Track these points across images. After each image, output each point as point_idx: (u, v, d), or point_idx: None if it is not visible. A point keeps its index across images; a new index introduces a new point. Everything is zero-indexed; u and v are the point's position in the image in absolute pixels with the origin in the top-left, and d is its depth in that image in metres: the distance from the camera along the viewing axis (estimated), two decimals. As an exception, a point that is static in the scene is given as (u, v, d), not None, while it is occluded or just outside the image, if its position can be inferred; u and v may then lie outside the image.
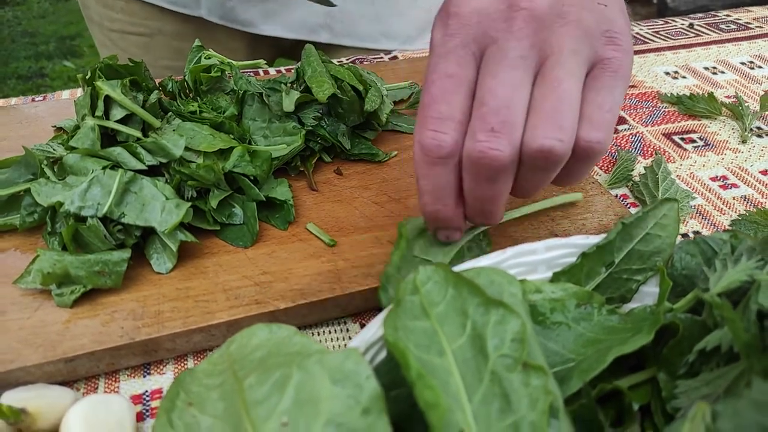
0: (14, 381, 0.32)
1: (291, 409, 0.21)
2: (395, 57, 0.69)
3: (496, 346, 0.23)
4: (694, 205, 0.48)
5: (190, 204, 0.37)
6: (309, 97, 0.44)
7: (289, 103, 0.42)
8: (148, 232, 0.37)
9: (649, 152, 0.54)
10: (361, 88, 0.45)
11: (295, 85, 0.45)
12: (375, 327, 0.27)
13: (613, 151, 0.54)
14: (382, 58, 0.69)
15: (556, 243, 0.31)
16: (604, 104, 0.29)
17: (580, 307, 0.28)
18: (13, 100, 0.59)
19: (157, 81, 0.50)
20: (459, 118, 0.29)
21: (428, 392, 0.21)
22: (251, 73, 0.63)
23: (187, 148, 0.39)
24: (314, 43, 0.76)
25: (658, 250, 0.31)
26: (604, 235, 0.31)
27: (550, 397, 0.21)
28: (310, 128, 0.44)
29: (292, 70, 0.46)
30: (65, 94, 0.60)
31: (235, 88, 0.44)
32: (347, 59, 0.68)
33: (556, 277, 0.30)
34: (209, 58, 0.45)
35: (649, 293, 0.31)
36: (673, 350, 0.25)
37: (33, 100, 0.59)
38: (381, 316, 0.27)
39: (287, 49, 0.80)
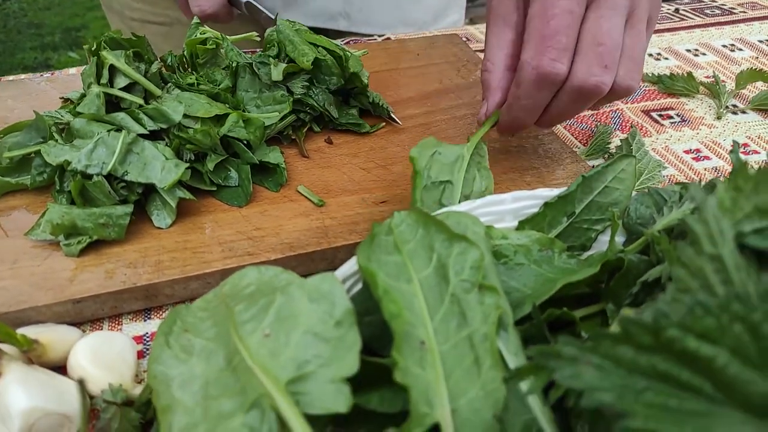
0: (26, 320, 0.35)
1: (273, 324, 0.24)
2: (388, 38, 0.72)
3: (456, 273, 0.25)
4: (666, 175, 0.51)
5: (188, 165, 0.40)
6: (295, 67, 0.46)
7: (277, 73, 0.45)
8: (150, 190, 0.40)
9: (627, 127, 0.57)
10: (337, 50, 0.47)
11: (279, 58, 0.48)
12: (353, 262, 0.29)
13: (592, 125, 0.57)
14: (375, 39, 0.72)
15: (522, 194, 0.33)
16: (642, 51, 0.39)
17: (542, 252, 0.31)
18: (22, 76, 0.62)
19: (159, 56, 0.52)
20: (572, 50, 0.36)
21: (392, 305, 0.23)
22: (250, 53, 0.66)
23: (185, 116, 0.42)
24: (332, 31, 0.80)
25: (615, 201, 0.33)
26: (566, 188, 0.34)
27: (500, 311, 0.24)
28: (299, 97, 0.46)
29: (273, 45, 0.49)
30: (72, 70, 0.63)
31: (227, 61, 0.47)
32: (342, 41, 0.71)
33: (521, 226, 0.33)
34: (204, 33, 0.48)
35: (607, 242, 0.33)
36: (619, 283, 0.28)
37: (41, 75, 0.62)
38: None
39: None
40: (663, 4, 0.82)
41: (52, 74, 0.62)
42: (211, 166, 0.42)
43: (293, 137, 0.48)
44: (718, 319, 0.16)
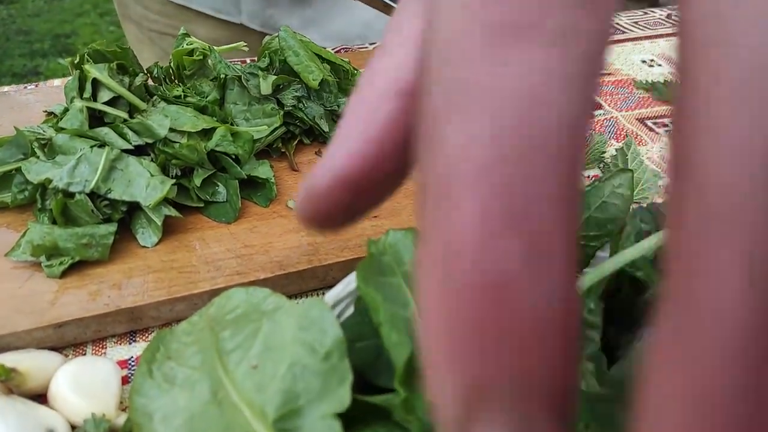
0: (5, 346, 0.34)
1: (261, 354, 0.23)
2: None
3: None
4: (663, 186, 0.50)
5: (174, 181, 0.39)
6: (286, 79, 0.45)
7: (266, 87, 0.44)
8: (134, 208, 0.39)
9: (622, 136, 0.56)
10: (344, 65, 0.47)
11: (269, 70, 0.47)
12: (343, 285, 0.28)
13: (587, 135, 0.56)
14: (366, 47, 0.71)
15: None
16: None
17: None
18: (6, 88, 0.61)
19: (146, 68, 0.51)
20: None
21: (395, 334, 0.22)
22: (239, 62, 0.65)
23: (171, 129, 0.40)
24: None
25: (613, 217, 0.32)
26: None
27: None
28: (289, 110, 0.45)
29: (264, 56, 0.48)
30: (56, 82, 0.62)
31: (215, 72, 0.45)
32: (333, 48, 0.70)
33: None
34: (192, 44, 0.47)
35: (605, 258, 0.32)
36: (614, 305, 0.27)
37: (25, 87, 0.61)
38: (350, 277, 0.29)
39: None
40: (655, 10, 0.82)
41: (36, 86, 0.61)
42: (198, 181, 0.40)
43: (283, 150, 0.47)
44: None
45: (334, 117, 0.49)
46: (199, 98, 0.44)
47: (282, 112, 0.45)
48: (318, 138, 0.49)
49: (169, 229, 0.40)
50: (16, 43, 2.92)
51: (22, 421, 0.29)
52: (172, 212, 0.39)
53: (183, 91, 0.44)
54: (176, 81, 0.48)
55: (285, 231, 0.41)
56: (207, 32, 0.75)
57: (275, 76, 0.45)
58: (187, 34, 0.48)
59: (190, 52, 0.46)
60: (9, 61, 2.80)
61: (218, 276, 0.37)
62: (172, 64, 0.47)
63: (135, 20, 0.79)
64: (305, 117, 0.46)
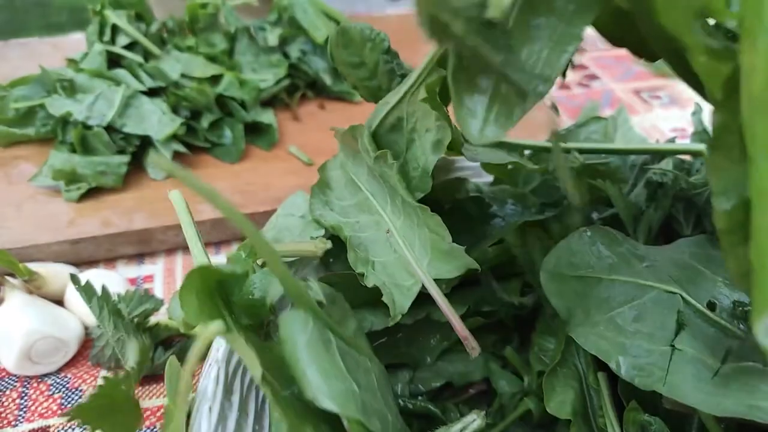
0: (27, 257, 0.37)
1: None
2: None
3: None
4: (650, 151, 0.52)
5: (183, 120, 0.42)
6: (293, 32, 0.48)
7: (273, 38, 0.46)
8: (147, 144, 0.42)
9: (616, 105, 0.58)
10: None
11: (277, 24, 0.50)
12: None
13: (584, 101, 0.58)
14: (371, 14, 0.73)
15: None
16: None
17: (514, 206, 0.33)
18: (24, 39, 0.64)
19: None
20: None
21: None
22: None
23: (183, 75, 0.43)
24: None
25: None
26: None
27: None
28: (295, 62, 0.48)
29: (274, 11, 0.50)
30: (78, 35, 0.65)
31: (226, 25, 0.48)
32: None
33: (496, 181, 0.35)
34: None
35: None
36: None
37: (42, 39, 0.64)
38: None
39: None
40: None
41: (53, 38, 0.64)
42: (206, 124, 0.43)
43: (287, 101, 0.50)
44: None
45: (337, 72, 0.51)
46: (209, 48, 0.47)
47: (287, 64, 0.47)
48: (321, 92, 0.52)
49: (179, 164, 0.43)
50: (34, 15, 2.95)
51: (43, 316, 0.32)
52: (181, 148, 0.42)
53: (195, 42, 0.47)
54: (189, 33, 0.51)
55: (285, 173, 0.43)
56: None
57: (284, 30, 0.48)
58: None
59: (204, 5, 0.49)
60: (26, 34, 2.83)
61: (221, 207, 0.40)
62: (186, 17, 0.50)
63: None
64: (309, 70, 0.48)
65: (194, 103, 0.43)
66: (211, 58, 0.46)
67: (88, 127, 0.41)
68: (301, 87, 0.50)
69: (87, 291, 0.30)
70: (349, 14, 0.71)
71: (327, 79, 0.50)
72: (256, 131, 0.46)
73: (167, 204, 0.40)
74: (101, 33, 0.46)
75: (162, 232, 0.39)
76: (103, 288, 0.31)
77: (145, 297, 0.33)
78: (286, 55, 0.49)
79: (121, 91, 0.41)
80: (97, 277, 0.35)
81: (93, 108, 0.41)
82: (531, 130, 0.52)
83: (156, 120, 0.41)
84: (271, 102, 0.50)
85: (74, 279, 0.31)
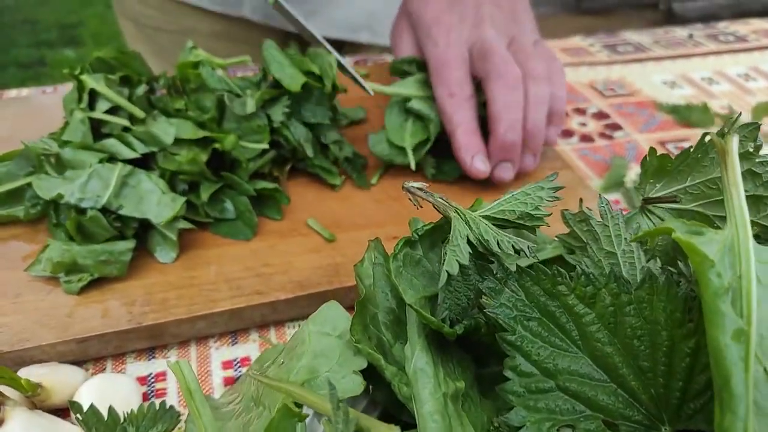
0: (29, 359, 0.34)
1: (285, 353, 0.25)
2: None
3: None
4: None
5: (185, 199, 0.39)
6: (273, 92, 0.44)
7: (251, 104, 0.43)
8: (148, 224, 0.39)
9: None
10: (335, 82, 0.46)
11: (262, 84, 0.46)
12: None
13: (607, 156, 0.56)
14: (384, 59, 0.71)
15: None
16: None
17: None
18: (24, 92, 0.61)
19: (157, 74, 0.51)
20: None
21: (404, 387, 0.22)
22: (250, 72, 0.65)
23: (175, 140, 0.40)
24: (353, 43, 0.78)
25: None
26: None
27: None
28: (277, 126, 0.44)
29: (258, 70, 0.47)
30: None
31: (210, 86, 0.45)
32: (353, 59, 0.70)
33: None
34: (198, 56, 0.46)
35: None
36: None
37: (44, 92, 0.61)
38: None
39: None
40: (676, 29, 0.81)
41: (54, 89, 0.61)
42: (205, 196, 0.40)
43: (276, 174, 0.46)
44: (596, 289, 0.22)
45: (320, 143, 0.47)
46: (199, 113, 0.44)
47: (267, 128, 0.44)
48: (301, 165, 0.47)
49: (187, 244, 0.40)
50: (22, 32, 2.88)
51: (46, 438, 0.29)
52: (185, 225, 0.39)
53: (185, 105, 0.44)
54: (182, 93, 0.47)
55: (305, 250, 0.41)
56: (207, 27, 0.73)
57: (263, 91, 0.44)
58: (195, 47, 0.48)
59: (195, 65, 0.46)
60: (14, 50, 2.75)
61: (238, 295, 0.37)
62: (177, 76, 0.47)
63: (131, 17, 0.77)
64: (290, 136, 0.44)
65: (189, 175, 0.40)
66: (200, 125, 0.43)
67: (81, 211, 0.38)
68: (289, 158, 0.47)
69: (89, 422, 0.27)
70: (361, 60, 0.68)
71: (309, 150, 0.45)
72: (260, 201, 0.43)
73: (180, 292, 0.37)
74: (80, 99, 0.42)
75: (175, 326, 0.36)
76: (110, 412, 0.28)
77: (160, 411, 0.30)
78: (270, 119, 0.45)
79: (117, 169, 0.38)
80: (103, 383, 0.32)
81: (86, 189, 0.38)
82: (541, 163, 0.50)
83: (155, 200, 0.38)
84: (260, 175, 0.46)
85: (74, 407, 0.27)
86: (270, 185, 0.42)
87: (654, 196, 0.27)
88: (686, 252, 0.19)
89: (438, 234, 0.25)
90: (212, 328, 0.37)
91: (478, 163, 0.46)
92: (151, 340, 0.36)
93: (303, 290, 0.37)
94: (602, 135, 0.59)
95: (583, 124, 0.61)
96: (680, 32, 0.80)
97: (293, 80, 0.44)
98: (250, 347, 0.37)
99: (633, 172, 0.54)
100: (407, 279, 0.24)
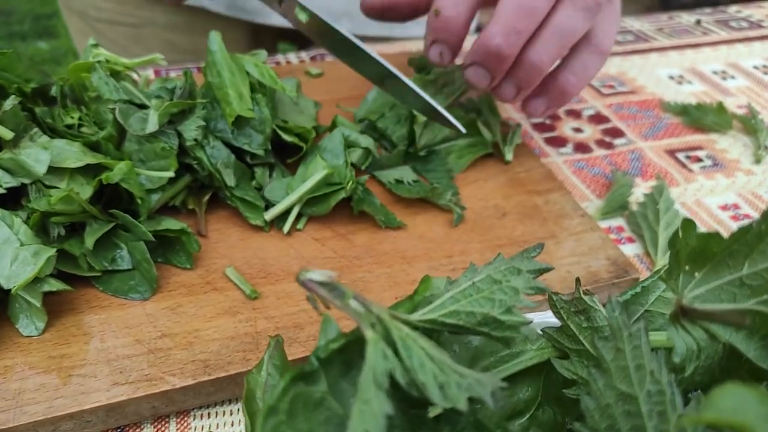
0: None
1: None
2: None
3: None
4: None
5: (53, 252, 0.29)
6: (186, 103, 0.35)
7: (153, 121, 0.33)
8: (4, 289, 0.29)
9: (649, 173, 0.47)
10: (293, 99, 0.37)
11: (183, 90, 0.36)
12: None
13: (607, 169, 0.47)
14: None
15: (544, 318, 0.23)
16: None
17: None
18: None
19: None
20: None
21: None
22: (194, 68, 0.55)
23: (51, 168, 0.31)
24: None
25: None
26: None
27: None
28: (191, 144, 0.34)
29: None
30: None
31: (103, 97, 0.35)
32: (308, 53, 0.60)
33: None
34: (98, 56, 0.36)
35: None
36: None
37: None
38: None
39: (291, 34, 0.72)
40: (682, 14, 0.71)
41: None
42: (90, 242, 0.31)
43: (191, 206, 0.36)
44: None
45: (246, 169, 0.37)
46: (95, 129, 0.34)
47: (175, 152, 0.34)
48: (219, 196, 0.37)
49: (62, 309, 0.31)
50: (-5, 24, 2.77)
51: None
52: (55, 286, 0.29)
53: (79, 119, 0.34)
54: (80, 104, 0.37)
55: (218, 312, 0.31)
56: (166, 18, 0.65)
57: (168, 103, 0.34)
58: (96, 44, 0.38)
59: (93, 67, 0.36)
60: (-12, 42, 2.66)
61: (121, 382, 0.27)
62: (67, 84, 0.37)
63: (78, 10, 0.69)
64: (204, 159, 0.34)
65: (67, 216, 0.31)
66: (93, 146, 0.33)
67: None
68: (208, 184, 0.37)
69: None
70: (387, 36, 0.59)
71: (228, 178, 0.35)
72: (167, 245, 0.33)
73: (43, 380, 0.28)
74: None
75: (32, 428, 0.26)
76: None
77: None
78: (180, 136, 0.35)
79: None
80: None
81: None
82: (527, 185, 0.41)
83: (10, 257, 0.28)
84: (172, 208, 0.36)
85: None
86: (175, 226, 0.33)
87: (694, 297, 0.18)
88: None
89: (355, 351, 0.16)
90: (85, 428, 0.28)
91: (433, 51, 0.37)
92: (0, 449, 0.27)
93: (208, 374, 0.28)
94: (600, 143, 0.50)
95: (578, 130, 0.51)
96: (686, 18, 0.70)
97: (228, 107, 0.34)
98: (139, 450, 0.28)
99: (638, 189, 0.44)
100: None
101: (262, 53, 0.42)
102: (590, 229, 0.37)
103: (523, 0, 0.33)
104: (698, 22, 0.69)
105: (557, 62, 0.39)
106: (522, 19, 0.34)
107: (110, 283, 0.32)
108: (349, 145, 0.40)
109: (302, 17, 0.41)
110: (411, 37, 0.67)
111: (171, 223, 0.33)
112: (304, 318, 0.31)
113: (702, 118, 0.52)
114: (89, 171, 0.33)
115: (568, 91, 0.39)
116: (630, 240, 0.40)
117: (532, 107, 0.41)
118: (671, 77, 0.59)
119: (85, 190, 0.32)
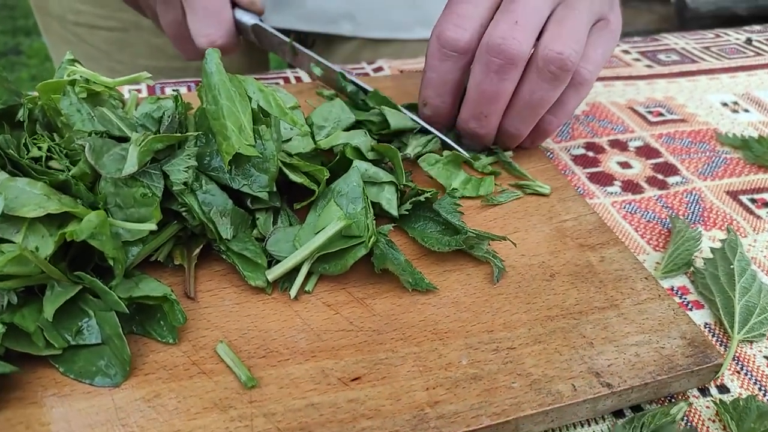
0: None
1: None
2: (380, 68, 0.54)
3: None
4: (783, 311, 0.34)
5: (1, 326, 0.23)
6: (175, 137, 0.29)
7: (132, 161, 0.27)
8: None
9: (712, 220, 0.40)
10: (302, 128, 0.30)
11: (171, 118, 0.30)
12: None
13: (662, 214, 0.40)
14: (363, 69, 0.55)
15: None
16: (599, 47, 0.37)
17: None
18: None
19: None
20: (481, 21, 0.35)
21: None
22: (192, 83, 0.49)
23: (5, 215, 0.24)
24: (333, 36, 0.64)
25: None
26: None
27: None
28: (180, 189, 0.28)
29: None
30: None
31: (73, 127, 0.28)
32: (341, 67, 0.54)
33: None
34: (73, 73, 0.30)
35: None
36: None
37: None
38: None
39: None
40: (729, 32, 0.65)
41: None
42: (49, 311, 0.25)
43: (178, 262, 0.30)
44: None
45: (250, 203, 0.31)
46: (66, 163, 0.28)
47: (158, 200, 0.27)
48: (212, 249, 0.31)
49: (9, 396, 0.24)
50: (-1, 18, 2.72)
51: None
52: (5, 368, 0.23)
53: (48, 150, 0.28)
54: (52, 130, 0.31)
55: (205, 405, 0.25)
56: (146, 21, 0.60)
57: (152, 137, 0.27)
58: (73, 60, 0.32)
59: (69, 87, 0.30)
60: (-8, 37, 2.63)
61: (75, 507, 0.21)
62: (37, 105, 0.30)
63: (56, 15, 0.64)
64: (196, 207, 0.28)
65: (19, 278, 0.25)
66: (61, 186, 0.27)
67: None
68: (199, 235, 0.30)
69: None
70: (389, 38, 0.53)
71: (224, 229, 0.29)
72: (146, 314, 0.27)
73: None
74: None
75: None
76: None
77: None
78: (166, 177, 0.29)
79: None
80: None
81: None
82: (577, 237, 0.34)
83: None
84: (156, 264, 0.30)
85: None
86: (156, 291, 0.26)
87: None
88: None
89: None
90: None
91: (425, 110, 0.40)
92: None
93: (188, 498, 0.22)
94: (652, 181, 0.44)
95: (626, 165, 0.45)
96: (735, 36, 0.64)
97: (225, 142, 0.28)
98: None
99: (704, 241, 0.38)
100: None
101: (143, 75, 0.33)
102: (658, 296, 0.31)
103: (486, 87, 0.35)
104: (749, 41, 0.63)
105: None
106: (488, 104, 0.36)
107: (74, 362, 0.26)
108: (365, 180, 0.33)
109: (317, 71, 0.44)
110: (412, 38, 0.64)
111: (151, 287, 0.27)
112: (312, 414, 0.24)
113: (765, 153, 0.45)
114: (54, 219, 0.27)
115: (547, 130, 0.40)
116: (697, 305, 0.34)
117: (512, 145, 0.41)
118: (724, 104, 0.53)
119: (46, 245, 0.26)
